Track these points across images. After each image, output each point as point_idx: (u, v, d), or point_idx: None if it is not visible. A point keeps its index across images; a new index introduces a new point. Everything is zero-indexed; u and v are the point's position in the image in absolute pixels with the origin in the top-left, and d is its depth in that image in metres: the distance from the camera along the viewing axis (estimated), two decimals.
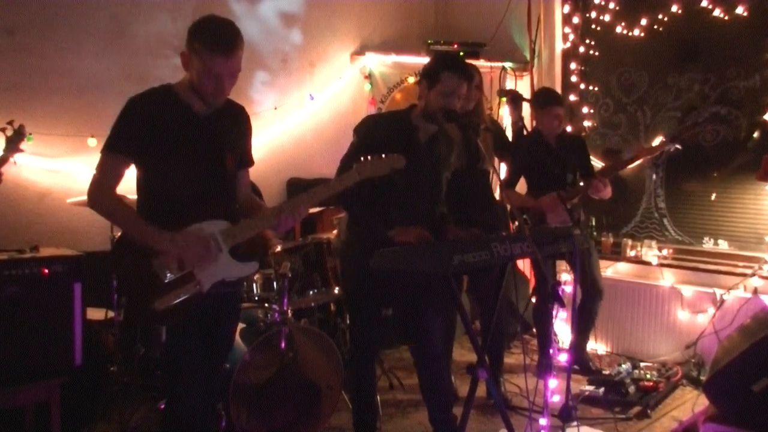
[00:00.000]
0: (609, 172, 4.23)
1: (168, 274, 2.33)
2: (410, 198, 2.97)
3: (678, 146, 4.16)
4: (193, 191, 2.40)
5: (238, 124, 2.58)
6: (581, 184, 4.19)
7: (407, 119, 2.98)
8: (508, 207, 4.23)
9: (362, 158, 2.58)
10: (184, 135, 2.38)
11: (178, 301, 2.34)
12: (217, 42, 2.27)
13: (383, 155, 2.57)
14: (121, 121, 2.34)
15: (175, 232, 2.32)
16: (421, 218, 2.96)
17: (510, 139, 4.04)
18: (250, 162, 2.68)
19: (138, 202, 2.47)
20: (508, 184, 4.12)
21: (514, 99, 3.64)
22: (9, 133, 2.95)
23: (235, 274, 2.50)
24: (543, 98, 4.20)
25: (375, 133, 2.86)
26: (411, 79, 5.25)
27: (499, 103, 5.32)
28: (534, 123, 5.28)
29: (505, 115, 5.05)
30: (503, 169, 4.28)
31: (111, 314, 3.70)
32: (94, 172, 2.38)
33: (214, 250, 2.37)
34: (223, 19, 2.36)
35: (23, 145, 3.02)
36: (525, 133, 3.54)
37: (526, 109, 4.50)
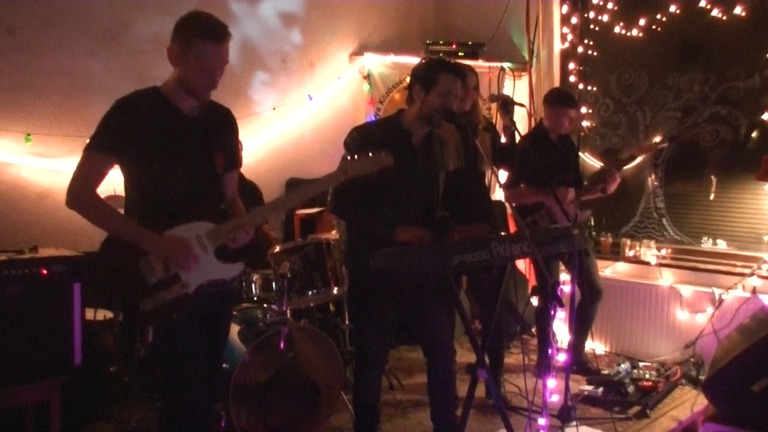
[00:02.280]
0: (618, 167, 4.21)
1: (154, 276, 2.34)
2: (408, 202, 2.98)
3: (666, 144, 4.16)
4: (183, 191, 2.40)
5: (225, 125, 2.58)
6: (594, 177, 4.22)
7: (399, 125, 2.97)
8: (508, 208, 4.24)
9: (348, 157, 2.57)
10: (174, 136, 2.38)
11: (164, 301, 2.34)
12: (208, 30, 2.31)
13: (370, 153, 2.56)
14: (108, 121, 2.33)
15: (158, 235, 2.33)
16: (419, 221, 2.96)
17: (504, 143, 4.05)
18: (238, 164, 2.69)
19: (126, 203, 2.47)
20: (513, 184, 4.11)
21: (505, 104, 3.63)
22: None
23: (221, 275, 2.49)
24: (559, 98, 4.21)
25: (369, 142, 2.82)
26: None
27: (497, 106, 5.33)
28: (533, 122, 5.31)
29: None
30: (501, 173, 4.27)
31: (110, 314, 3.71)
32: (75, 170, 2.36)
33: (198, 252, 2.38)
34: (208, 13, 2.39)
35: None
36: (518, 137, 3.57)
37: (517, 114, 4.49)
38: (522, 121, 5.09)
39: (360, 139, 2.87)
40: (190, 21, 2.34)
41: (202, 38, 2.29)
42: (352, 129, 2.99)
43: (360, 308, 3.10)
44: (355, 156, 2.56)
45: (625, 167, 4.49)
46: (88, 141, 2.35)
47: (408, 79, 3.12)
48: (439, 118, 2.89)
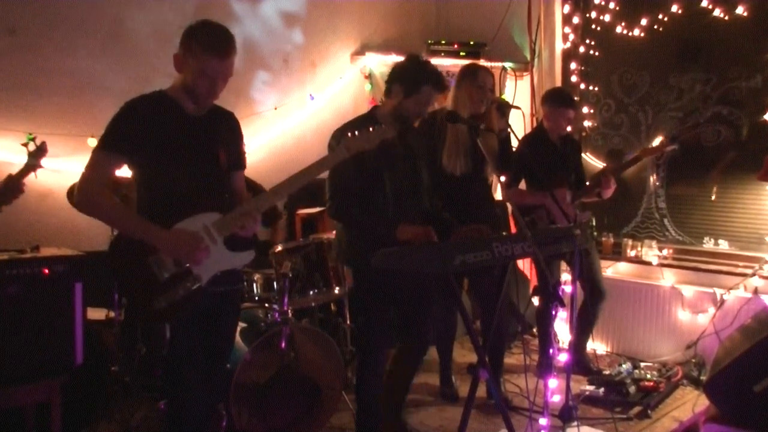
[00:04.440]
0: (613, 172, 4.21)
1: (165, 272, 2.34)
2: (393, 193, 2.99)
3: (675, 147, 4.16)
4: (189, 188, 2.43)
5: (228, 125, 2.62)
6: (593, 180, 4.22)
7: (374, 120, 2.96)
8: (509, 207, 4.23)
9: (349, 134, 2.57)
10: (179, 134, 2.42)
11: (177, 297, 2.34)
12: (213, 44, 2.34)
13: (371, 128, 2.56)
14: (117, 122, 2.38)
15: (165, 230, 2.34)
16: (408, 212, 2.98)
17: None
18: (242, 164, 2.71)
19: (137, 202, 2.51)
20: (511, 183, 4.11)
21: (500, 107, 3.63)
22: (31, 148, 3.06)
23: (232, 265, 2.51)
24: (557, 98, 4.20)
25: None
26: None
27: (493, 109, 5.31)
28: (535, 122, 5.31)
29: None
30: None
31: (112, 314, 3.71)
32: (83, 170, 2.40)
33: (207, 244, 2.39)
34: (218, 23, 2.42)
35: (43, 154, 3.18)
36: (514, 139, 3.59)
37: (513, 115, 4.48)
38: (519, 123, 5.10)
39: (341, 137, 2.88)
40: (197, 32, 2.36)
41: (207, 52, 2.33)
42: (335, 130, 3.00)
43: (364, 307, 3.10)
44: (356, 133, 2.56)
45: (628, 169, 4.49)
46: (96, 142, 2.41)
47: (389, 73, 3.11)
48: (411, 123, 2.95)
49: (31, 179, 4.09)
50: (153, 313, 2.36)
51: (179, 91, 2.43)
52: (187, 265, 2.37)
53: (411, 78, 2.93)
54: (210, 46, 2.33)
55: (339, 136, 2.89)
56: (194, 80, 2.36)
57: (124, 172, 2.57)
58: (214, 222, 2.42)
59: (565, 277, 4.62)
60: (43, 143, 3.13)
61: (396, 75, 2.99)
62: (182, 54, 2.38)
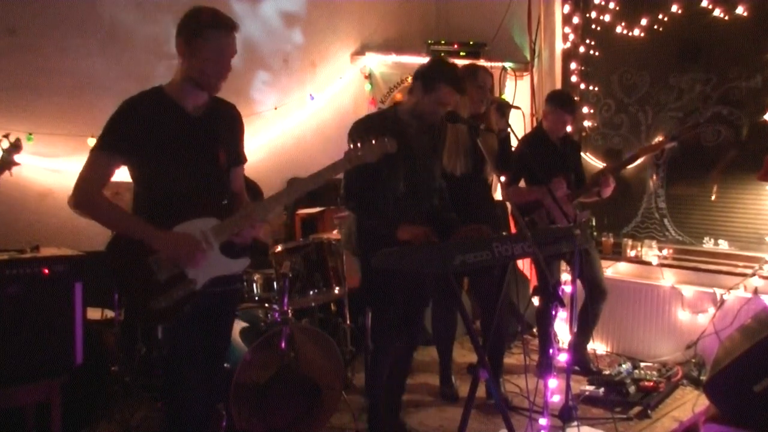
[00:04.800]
0: (612, 171, 4.22)
1: (164, 273, 2.34)
2: (406, 191, 3.01)
3: (674, 144, 4.18)
4: (187, 189, 2.42)
5: (229, 121, 2.60)
6: (592, 180, 4.23)
7: (395, 116, 3.04)
8: (509, 207, 4.23)
9: (351, 145, 2.59)
10: (178, 134, 2.40)
11: (174, 299, 2.34)
12: (217, 20, 2.35)
13: (373, 140, 2.58)
14: (115, 121, 2.37)
15: (165, 232, 2.34)
16: (409, 212, 3.00)
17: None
18: (242, 159, 2.70)
19: (133, 202, 2.50)
20: (511, 183, 4.12)
21: (500, 107, 3.64)
22: (5, 145, 3.04)
23: (228, 271, 2.50)
24: (558, 100, 4.20)
25: (371, 133, 2.87)
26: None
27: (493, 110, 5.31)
28: (534, 122, 5.31)
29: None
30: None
31: (111, 314, 3.71)
32: (81, 170, 2.39)
33: (204, 248, 2.39)
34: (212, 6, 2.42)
35: (25, 146, 3.10)
36: (513, 139, 3.59)
37: (513, 115, 4.49)
38: (519, 123, 5.10)
39: (364, 132, 2.89)
40: (197, 13, 2.37)
41: (212, 27, 2.33)
42: (356, 121, 3.06)
43: (372, 301, 3.12)
44: (358, 144, 2.57)
45: (628, 167, 4.49)
46: (94, 142, 2.39)
47: (410, 79, 3.14)
48: (429, 121, 2.97)
49: (31, 180, 4.13)
50: (153, 314, 2.36)
51: (180, 86, 2.41)
52: (185, 268, 2.37)
53: (429, 76, 2.95)
54: (219, 22, 2.34)
55: (360, 129, 2.94)
56: (201, 63, 2.34)
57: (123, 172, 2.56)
58: (211, 227, 2.41)
59: (565, 277, 4.62)
60: (17, 140, 3.09)
61: (417, 73, 3.03)
62: (184, 40, 2.36)
